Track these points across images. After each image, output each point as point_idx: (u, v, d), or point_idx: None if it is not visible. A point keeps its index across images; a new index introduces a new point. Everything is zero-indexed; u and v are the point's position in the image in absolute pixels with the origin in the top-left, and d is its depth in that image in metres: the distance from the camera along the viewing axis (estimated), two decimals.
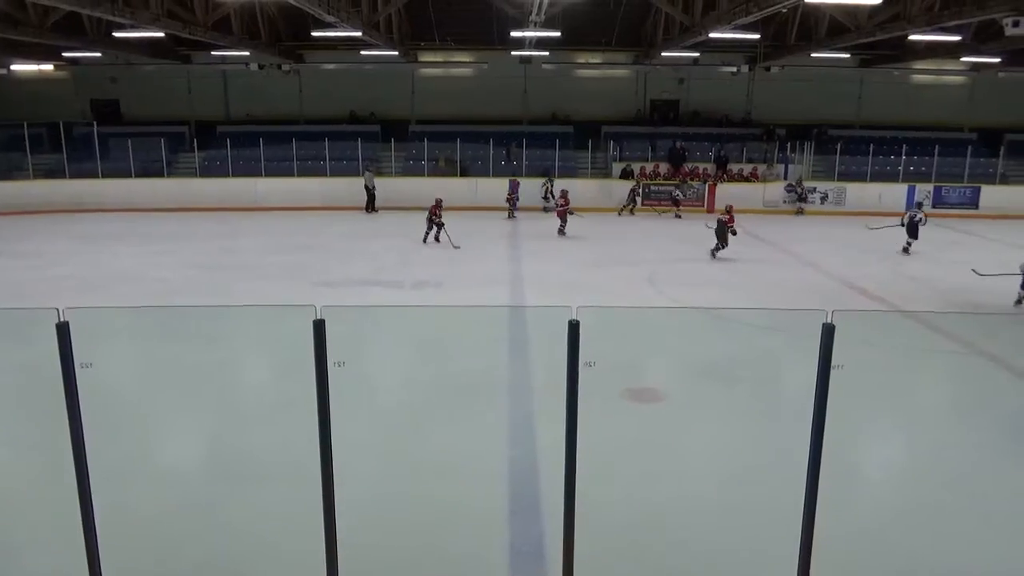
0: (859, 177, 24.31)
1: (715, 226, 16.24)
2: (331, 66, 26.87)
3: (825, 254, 16.58)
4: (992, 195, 23.74)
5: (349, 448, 4.27)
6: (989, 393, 8.47)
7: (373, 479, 5.83)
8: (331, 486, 3.99)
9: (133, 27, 16.98)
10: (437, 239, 17.10)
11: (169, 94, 27.41)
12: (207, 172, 24.64)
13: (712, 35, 17.98)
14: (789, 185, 23.87)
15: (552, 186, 22.78)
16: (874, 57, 25.04)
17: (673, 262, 15.90)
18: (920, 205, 18.54)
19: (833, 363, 3.80)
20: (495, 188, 23.59)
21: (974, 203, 23.77)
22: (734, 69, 25.88)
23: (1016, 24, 13.98)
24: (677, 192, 23.12)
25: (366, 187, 23.30)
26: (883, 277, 14.45)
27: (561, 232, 18.81)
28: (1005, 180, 24.72)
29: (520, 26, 19.47)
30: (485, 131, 25.21)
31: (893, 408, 7.95)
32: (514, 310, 10.96)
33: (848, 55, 23.47)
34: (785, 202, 23.79)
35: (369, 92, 27.34)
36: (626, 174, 24.56)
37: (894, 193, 23.73)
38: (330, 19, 16.46)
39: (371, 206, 23.29)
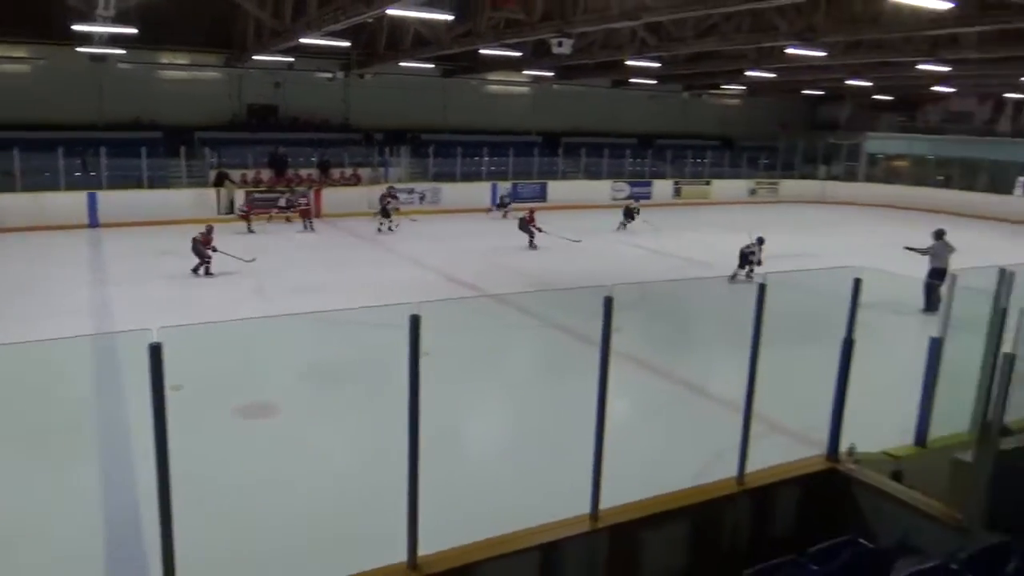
0: (450, 178, 26.56)
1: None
2: None
3: (429, 251, 17.74)
4: (556, 189, 27.90)
5: None
6: (564, 357, 9.90)
7: None
8: None
9: None
10: (209, 272, 14.50)
11: None
12: None
13: (303, 40, 17.94)
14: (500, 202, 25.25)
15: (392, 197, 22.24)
16: (456, 68, 27.44)
17: (282, 270, 15.54)
18: (637, 199, 22.46)
19: (426, 349, 4.06)
20: (69, 203, 20.57)
21: (543, 196, 27.65)
22: (330, 75, 26.20)
23: (560, 44, 16.47)
24: (302, 199, 22.46)
25: None
26: (480, 268, 15.96)
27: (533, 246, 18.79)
28: (565, 176, 29.20)
29: (85, 19, 17.14)
30: (52, 138, 21.70)
31: (488, 379, 8.86)
32: (98, 339, 9.66)
33: (433, 65, 25.35)
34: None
35: None
36: (220, 178, 23.29)
37: (480, 191, 26.45)
38: None
39: None
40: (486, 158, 27.54)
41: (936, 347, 6.36)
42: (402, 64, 23.61)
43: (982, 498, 4.67)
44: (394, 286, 14.07)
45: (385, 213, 21.25)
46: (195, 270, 14.60)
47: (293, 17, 18.20)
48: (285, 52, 21.47)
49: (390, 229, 20.98)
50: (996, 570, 3.27)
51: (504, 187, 26.84)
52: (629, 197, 26.85)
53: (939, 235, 13.38)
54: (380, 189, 24.93)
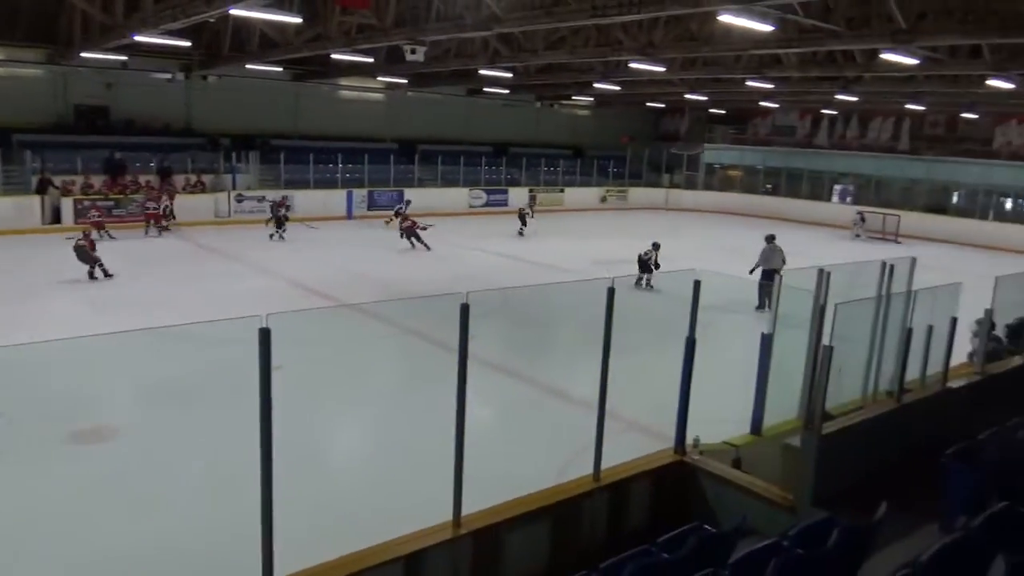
0: (303, 185, 25.74)
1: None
2: None
3: (283, 261, 17.09)
4: (413, 196, 27.63)
5: None
6: (424, 365, 9.85)
7: None
8: None
9: None
10: (101, 273, 14.75)
11: None
12: None
13: (138, 38, 16.80)
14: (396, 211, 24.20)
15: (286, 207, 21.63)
16: (306, 72, 26.65)
17: (124, 283, 14.47)
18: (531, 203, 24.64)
19: (278, 363, 3.92)
20: None
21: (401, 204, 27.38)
22: (169, 76, 24.67)
23: (414, 52, 16.42)
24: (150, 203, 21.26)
25: None
26: (336, 277, 15.59)
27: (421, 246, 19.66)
28: (422, 184, 29.09)
29: None
30: None
31: (346, 390, 8.68)
32: None
33: (282, 69, 24.49)
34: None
35: None
36: (43, 185, 21.32)
37: (335, 198, 25.85)
38: None
39: None
40: (340, 165, 26.95)
41: (767, 342, 6.89)
42: (249, 67, 22.66)
43: (809, 479, 5.12)
44: (245, 298, 13.44)
45: (279, 222, 20.87)
46: (93, 275, 14.52)
47: (126, 13, 17.03)
48: (118, 50, 20.02)
49: (281, 238, 20.60)
50: (821, 544, 3.60)
51: (358, 195, 26.41)
52: (481, 202, 27.28)
53: (769, 239, 14.53)
54: (225, 197, 23.86)
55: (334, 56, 20.71)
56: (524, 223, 23.70)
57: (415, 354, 10.35)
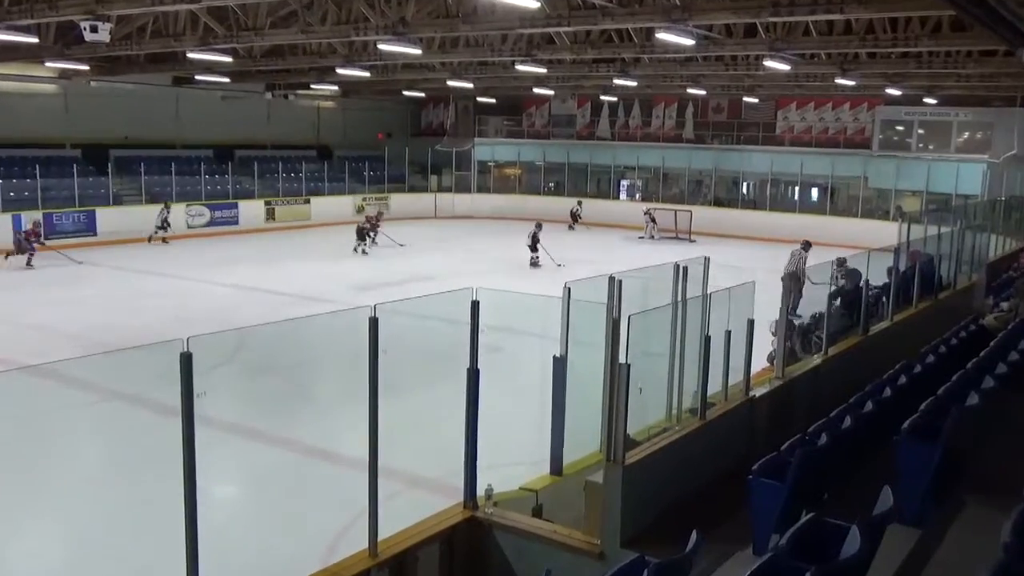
0: None
1: None
2: None
3: None
4: (110, 218, 25.83)
5: None
6: (140, 438, 9.21)
7: None
8: None
9: None
10: None
11: None
12: None
13: None
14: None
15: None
16: None
17: None
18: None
19: None
20: None
21: (92, 229, 25.35)
22: None
23: (95, 30, 15.36)
24: None
25: None
26: (5, 332, 14.16)
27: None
28: (120, 201, 27.21)
29: None
30: None
31: (22, 488, 7.93)
32: None
33: None
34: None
35: None
36: None
37: None
38: None
39: None
40: (1, 180, 24.48)
41: (560, 367, 7.29)
42: None
43: (615, 518, 5.49)
44: None
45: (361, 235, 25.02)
46: None
47: None
48: None
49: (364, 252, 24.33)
50: None
51: (28, 219, 24.13)
52: (204, 221, 26.05)
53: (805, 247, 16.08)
54: None
55: None
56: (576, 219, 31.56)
57: (125, 426, 9.64)
